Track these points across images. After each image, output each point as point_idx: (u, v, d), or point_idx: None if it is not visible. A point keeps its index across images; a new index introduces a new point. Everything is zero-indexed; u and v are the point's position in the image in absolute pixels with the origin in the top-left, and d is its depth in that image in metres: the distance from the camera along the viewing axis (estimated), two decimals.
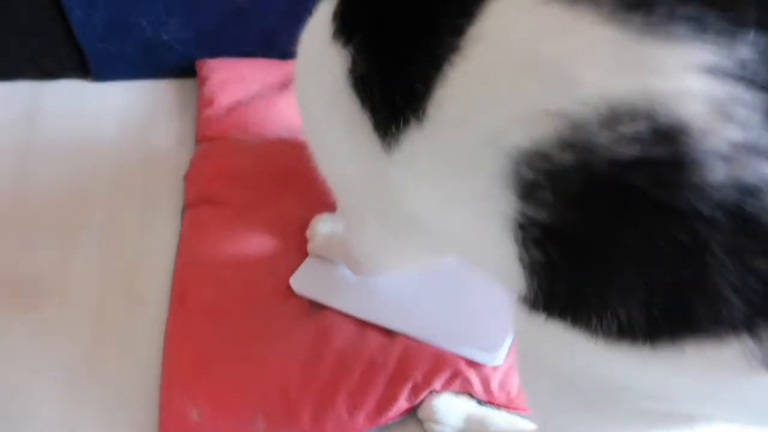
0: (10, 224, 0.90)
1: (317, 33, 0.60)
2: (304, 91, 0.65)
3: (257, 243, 0.84)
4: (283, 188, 0.88)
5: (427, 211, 0.54)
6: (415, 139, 0.50)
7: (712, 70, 0.35)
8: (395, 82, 0.51)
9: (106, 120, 1.01)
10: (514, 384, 0.72)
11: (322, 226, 0.84)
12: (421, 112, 0.48)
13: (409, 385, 0.71)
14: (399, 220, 0.60)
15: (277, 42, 1.03)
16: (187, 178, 0.90)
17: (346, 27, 0.57)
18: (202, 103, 0.99)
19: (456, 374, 0.73)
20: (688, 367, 0.40)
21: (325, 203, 0.85)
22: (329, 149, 0.63)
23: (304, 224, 0.85)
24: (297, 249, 0.84)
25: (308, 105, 0.64)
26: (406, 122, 0.50)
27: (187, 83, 1.06)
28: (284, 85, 1.01)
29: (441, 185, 0.51)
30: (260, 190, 0.88)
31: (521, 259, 0.44)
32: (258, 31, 1.00)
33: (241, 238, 0.84)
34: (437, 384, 0.71)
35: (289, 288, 0.81)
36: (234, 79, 1.01)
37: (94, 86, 1.05)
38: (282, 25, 1.00)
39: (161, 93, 1.05)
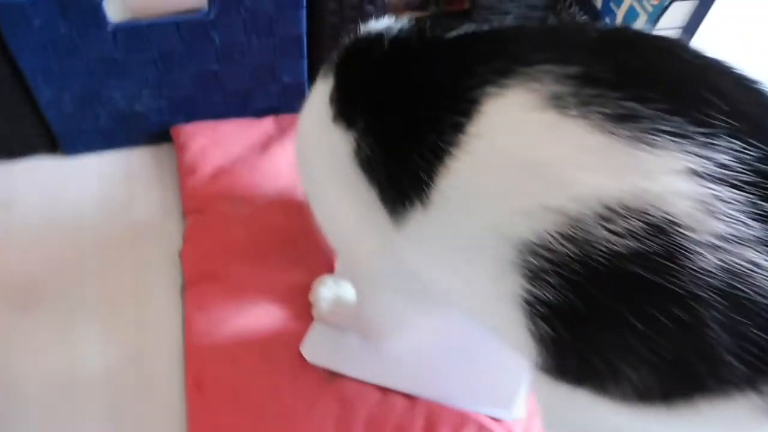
0: None
1: (317, 112, 0.62)
2: (308, 166, 0.67)
3: (265, 314, 0.84)
4: (280, 254, 0.89)
5: (438, 282, 0.57)
6: (422, 221, 0.52)
7: (695, 173, 0.40)
8: (400, 168, 0.53)
9: (83, 195, 0.99)
10: (537, 428, 0.75)
11: (325, 291, 0.85)
12: (425, 197, 0.51)
13: None
14: (412, 286, 0.62)
15: (250, 101, 1.03)
16: (183, 255, 0.90)
17: (346, 112, 0.59)
18: (183, 171, 0.98)
19: (481, 429, 0.75)
20: (704, 422, 0.44)
21: (324, 264, 0.86)
22: (338, 221, 0.65)
23: (307, 288, 0.86)
24: (306, 315, 0.84)
25: (313, 179, 0.66)
26: (412, 204, 0.52)
27: (163, 149, 1.04)
28: (264, 145, 1.01)
29: (449, 265, 0.53)
30: (258, 260, 0.88)
31: (531, 332, 0.48)
32: (231, 92, 1.00)
33: (248, 311, 0.84)
34: None
35: (304, 357, 0.81)
36: (213, 144, 1.00)
37: (66, 161, 1.03)
38: (254, 84, 1.01)
39: (137, 161, 1.03)
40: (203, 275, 0.87)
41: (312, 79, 0.97)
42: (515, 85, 0.45)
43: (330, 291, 0.85)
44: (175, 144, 1.01)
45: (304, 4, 0.89)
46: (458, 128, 0.48)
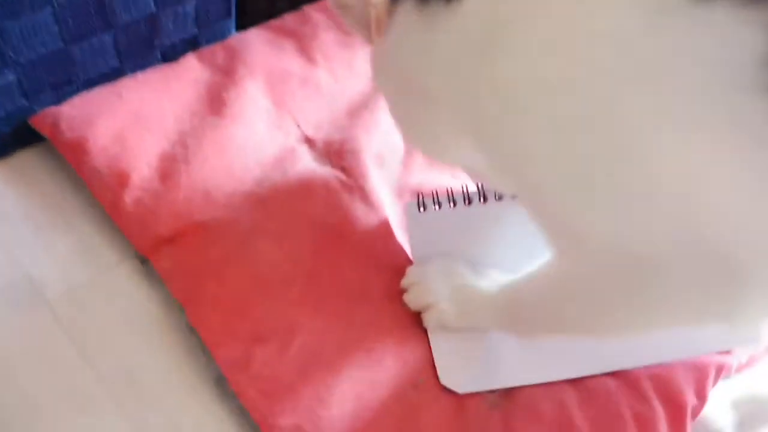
0: None
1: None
2: (585, 99, 0.36)
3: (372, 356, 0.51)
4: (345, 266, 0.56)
5: None
6: None
7: None
8: None
9: None
10: None
11: (441, 286, 0.55)
12: None
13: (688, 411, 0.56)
14: None
15: (154, 36, 0.61)
16: (200, 328, 0.51)
17: None
18: (101, 188, 0.56)
19: (720, 369, 0.58)
20: None
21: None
22: (698, 186, 0.35)
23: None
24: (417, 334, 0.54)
25: (607, 120, 0.36)
26: None
27: (25, 160, 0.60)
28: (209, 100, 0.62)
29: None
30: (325, 289, 0.54)
31: None
32: (124, 28, 0.59)
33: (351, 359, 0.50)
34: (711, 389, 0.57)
35: (448, 392, 0.53)
36: (129, 124, 0.59)
37: None
38: (159, 5, 0.59)
39: None
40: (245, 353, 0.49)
41: None
42: None
43: (446, 282, 0.54)
44: (57, 145, 0.58)
45: None
46: None
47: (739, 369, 0.60)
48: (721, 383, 0.58)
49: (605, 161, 0.35)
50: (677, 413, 0.54)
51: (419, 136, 0.50)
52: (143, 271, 0.55)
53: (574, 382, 0.55)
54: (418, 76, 0.43)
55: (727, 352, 0.58)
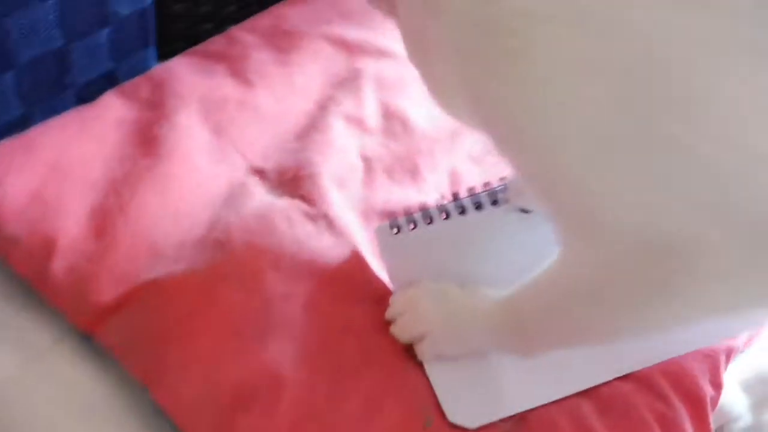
0: None
1: None
2: None
3: None
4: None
5: None
6: None
7: None
8: None
9: None
10: None
11: (427, 300, 0.50)
12: None
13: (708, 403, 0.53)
14: None
15: (66, 72, 0.54)
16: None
17: None
18: (17, 257, 0.48)
19: (730, 352, 0.55)
20: None
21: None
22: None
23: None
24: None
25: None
26: None
27: None
28: (138, 141, 0.55)
29: None
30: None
31: None
32: (28, 67, 0.51)
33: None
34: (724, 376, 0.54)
35: (460, 428, 0.48)
36: (47, 177, 0.52)
37: None
38: (69, 35, 0.50)
39: None
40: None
41: (163, 5, 0.55)
42: None
43: (437, 306, 0.50)
44: None
45: None
46: None
47: (743, 348, 0.58)
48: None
49: (642, 108, 0.30)
50: (698, 408, 0.52)
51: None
52: (87, 351, 0.46)
53: (587, 393, 0.51)
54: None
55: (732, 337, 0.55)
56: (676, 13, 0.29)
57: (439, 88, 0.42)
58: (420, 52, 0.42)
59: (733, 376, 0.56)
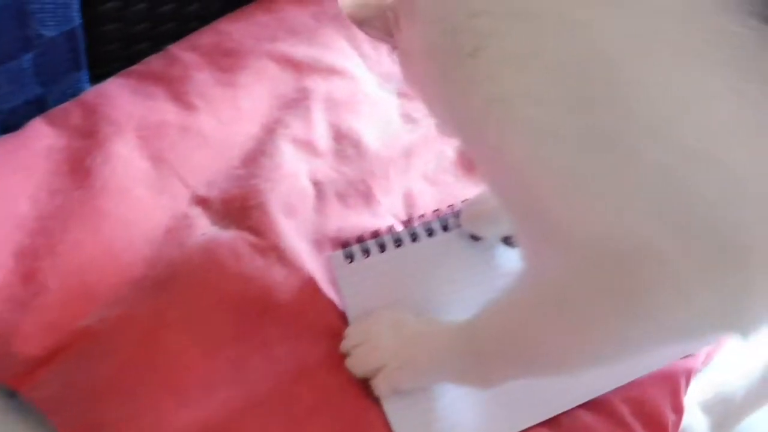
0: None
1: None
2: None
3: None
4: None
5: None
6: None
7: None
8: None
9: None
10: None
11: (385, 329, 0.48)
12: None
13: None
14: None
15: None
16: None
17: None
18: None
19: (688, 374, 0.55)
20: None
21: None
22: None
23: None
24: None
25: None
26: None
27: None
28: (68, 170, 0.51)
29: None
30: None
31: None
32: None
33: None
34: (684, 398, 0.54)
35: None
36: None
37: None
38: None
39: None
40: None
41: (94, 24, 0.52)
42: None
43: (393, 337, 0.48)
44: None
45: None
46: None
47: (701, 368, 0.58)
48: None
49: (585, 106, 0.30)
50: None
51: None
52: (12, 408, 0.42)
53: (548, 423, 0.50)
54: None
55: (691, 354, 0.55)
56: (613, 11, 0.29)
57: (434, 111, 0.42)
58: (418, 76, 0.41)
59: (692, 398, 0.56)
